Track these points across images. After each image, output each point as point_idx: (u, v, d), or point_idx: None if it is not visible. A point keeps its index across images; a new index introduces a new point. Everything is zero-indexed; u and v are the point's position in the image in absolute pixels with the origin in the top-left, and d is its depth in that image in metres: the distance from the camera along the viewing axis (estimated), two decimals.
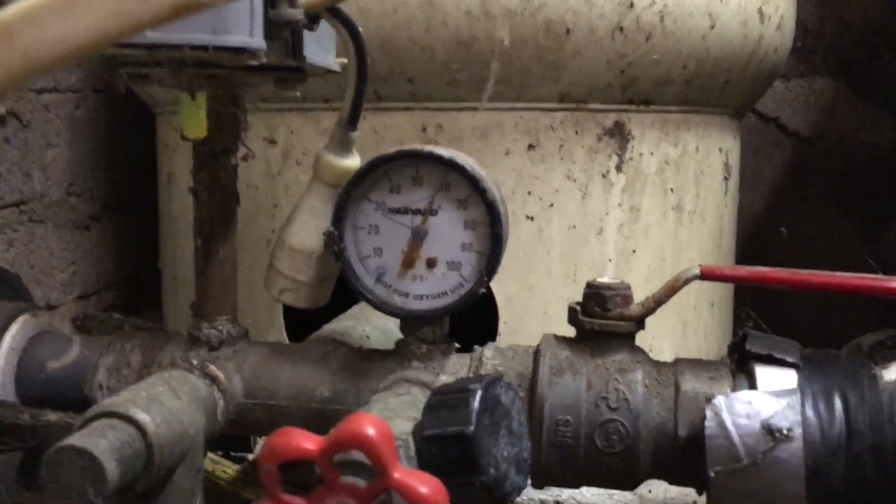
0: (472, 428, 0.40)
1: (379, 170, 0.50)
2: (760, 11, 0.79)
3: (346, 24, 0.47)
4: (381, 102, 0.72)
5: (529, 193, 0.74)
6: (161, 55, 0.43)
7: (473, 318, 0.75)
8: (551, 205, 0.75)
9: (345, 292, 0.54)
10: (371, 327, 0.62)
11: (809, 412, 0.46)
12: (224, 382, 0.51)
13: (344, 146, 0.51)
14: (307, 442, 0.36)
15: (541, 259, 0.75)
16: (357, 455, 0.37)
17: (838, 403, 0.46)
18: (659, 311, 0.50)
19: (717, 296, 0.90)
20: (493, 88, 0.71)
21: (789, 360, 0.48)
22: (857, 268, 0.54)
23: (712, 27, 0.75)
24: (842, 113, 1.40)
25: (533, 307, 0.75)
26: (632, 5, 0.70)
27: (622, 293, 0.50)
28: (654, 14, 0.71)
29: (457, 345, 0.54)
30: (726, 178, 0.88)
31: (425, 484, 0.36)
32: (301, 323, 0.70)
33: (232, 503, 0.60)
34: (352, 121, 0.50)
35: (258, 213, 0.78)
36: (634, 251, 0.78)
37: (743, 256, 1.28)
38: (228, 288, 0.55)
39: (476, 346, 0.53)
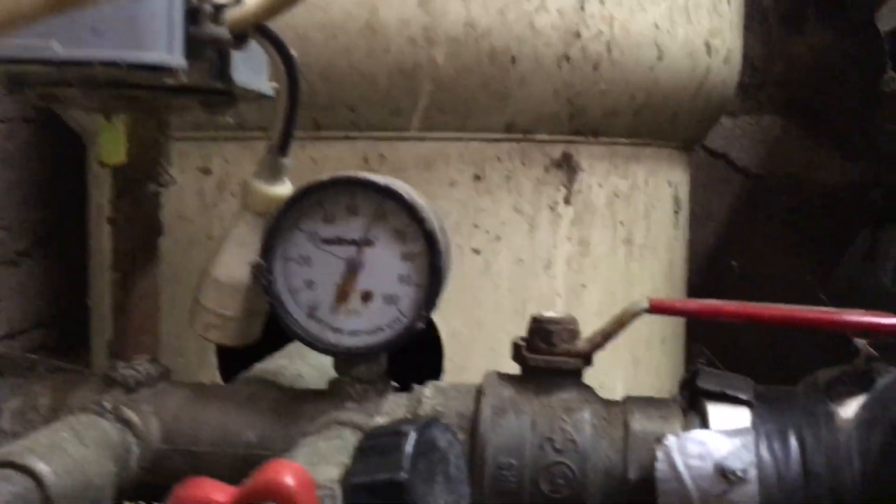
0: (404, 475, 0.36)
1: (311, 197, 0.47)
2: (707, 44, 0.79)
3: (275, 44, 0.44)
4: (321, 131, 0.70)
5: (476, 226, 0.72)
6: (71, 72, 0.40)
7: (419, 356, 0.72)
8: (498, 238, 0.72)
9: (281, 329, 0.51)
10: (306, 366, 0.59)
11: (764, 452, 0.43)
12: (139, 427, 0.47)
13: (274, 173, 0.48)
14: (217, 493, 0.33)
15: (488, 293, 0.72)
16: None
17: (794, 443, 0.44)
18: (610, 347, 0.48)
19: (669, 332, 0.88)
20: (439, 117, 0.69)
21: (743, 397, 0.46)
22: (809, 303, 0.53)
23: (660, 58, 0.74)
24: (790, 150, 1.41)
25: (480, 343, 0.72)
26: (578, 34, 0.68)
27: (568, 328, 0.48)
28: (600, 44, 0.70)
29: (394, 384, 0.51)
30: (676, 212, 0.87)
31: None
32: (236, 363, 0.67)
33: None
34: (282, 146, 0.47)
35: (191, 246, 0.74)
36: (584, 285, 0.76)
37: (694, 292, 1.27)
38: (149, 325, 0.51)
39: (415, 386, 0.50)
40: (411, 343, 0.52)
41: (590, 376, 0.49)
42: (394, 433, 0.39)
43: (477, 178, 0.71)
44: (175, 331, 0.76)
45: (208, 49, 0.41)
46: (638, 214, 0.80)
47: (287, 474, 0.33)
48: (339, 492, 0.38)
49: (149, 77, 0.40)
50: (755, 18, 1.38)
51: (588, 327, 0.48)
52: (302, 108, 0.69)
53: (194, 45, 0.41)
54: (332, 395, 0.49)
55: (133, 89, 0.44)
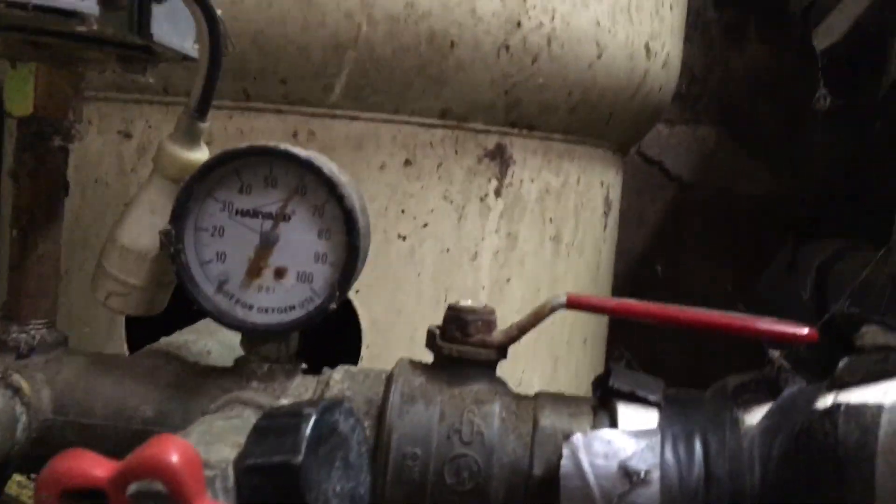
0: (300, 458, 0.35)
1: (227, 165, 0.45)
2: (647, 47, 0.79)
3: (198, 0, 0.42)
4: (250, 102, 0.67)
5: (403, 212, 0.70)
6: None
7: (337, 341, 0.70)
8: (425, 225, 0.71)
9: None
10: (216, 343, 0.57)
11: (669, 454, 0.43)
12: (28, 395, 0.45)
13: (191, 137, 0.46)
14: (96, 467, 0.31)
15: (411, 281, 0.71)
16: (156, 486, 0.32)
17: (698, 447, 0.44)
18: (531, 345, 0.48)
19: (590, 333, 0.88)
20: (372, 97, 0.67)
21: (652, 398, 0.46)
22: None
23: (599, 56, 0.73)
24: (721, 161, 1.44)
25: (399, 332, 0.71)
26: (519, 24, 0.67)
27: (484, 318, 0.47)
28: (541, 36, 0.69)
29: (304, 366, 0.49)
30: (606, 213, 0.87)
31: None
32: (146, 336, 0.64)
33: None
34: (201, 109, 0.45)
35: (106, 211, 0.71)
36: (509, 280, 0.75)
37: (620, 295, 1.28)
38: (47, 288, 0.48)
39: (325, 369, 0.49)
40: (330, 327, 0.51)
41: (508, 372, 0.48)
42: (293, 414, 0.37)
43: (408, 162, 0.70)
44: (83, 300, 0.73)
45: None
46: (568, 212, 0.80)
47: (172, 451, 0.31)
48: (230, 473, 0.36)
49: (59, 22, 0.38)
50: (697, 29, 1.40)
51: (510, 322, 0.47)
52: (232, 76, 0.66)
53: None
54: (236, 373, 0.47)
55: (43, 35, 0.42)
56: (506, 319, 0.49)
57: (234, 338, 0.58)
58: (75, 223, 0.72)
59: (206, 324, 0.60)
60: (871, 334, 0.46)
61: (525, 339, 0.60)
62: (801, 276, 1.18)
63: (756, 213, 1.40)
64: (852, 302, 0.85)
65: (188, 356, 0.51)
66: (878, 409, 0.40)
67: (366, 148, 0.69)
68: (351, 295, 0.70)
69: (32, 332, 0.47)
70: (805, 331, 0.45)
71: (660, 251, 1.41)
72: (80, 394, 0.46)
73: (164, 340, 0.55)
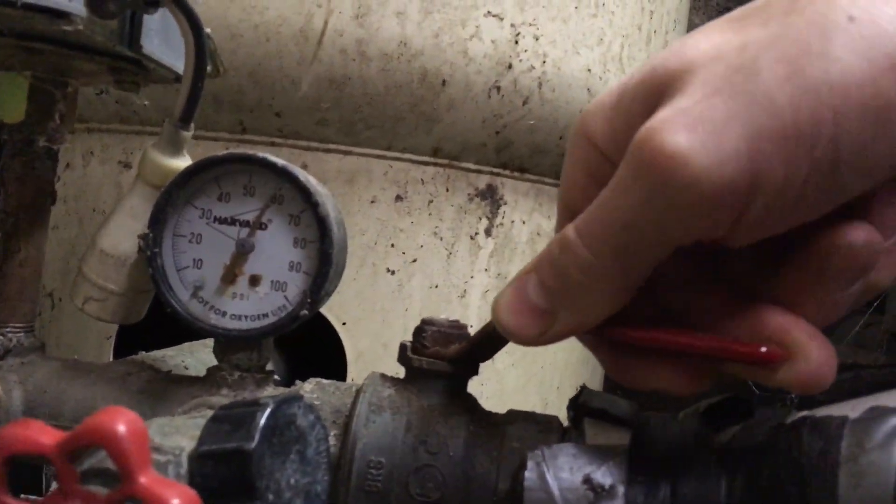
0: (252, 444, 0.35)
1: (207, 172, 0.46)
2: None
3: (182, 7, 0.44)
4: (246, 135, 0.69)
5: (393, 246, 0.71)
6: None
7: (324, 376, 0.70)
8: (414, 260, 0.72)
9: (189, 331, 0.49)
10: (194, 360, 0.57)
11: (635, 471, 0.43)
12: (0, 394, 0.45)
13: (174, 145, 0.47)
14: (43, 435, 0.31)
15: (398, 316, 0.71)
16: (108, 461, 0.32)
17: (665, 465, 0.43)
18: (521, 390, 0.47)
19: (585, 379, 0.87)
20: (365, 133, 0.69)
21: (622, 417, 0.46)
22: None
23: (590, 102, 0.75)
24: None
25: (385, 365, 0.71)
26: (510, 66, 0.69)
27: (444, 330, 0.47)
28: (532, 79, 0.71)
29: (276, 377, 0.49)
30: None
31: (178, 495, 0.31)
32: None
33: None
34: (185, 118, 0.47)
35: None
36: None
37: None
38: (27, 293, 0.49)
39: (297, 381, 0.49)
40: (315, 359, 0.51)
41: (504, 398, 0.48)
42: (250, 404, 0.37)
43: (399, 198, 0.71)
44: (74, 327, 0.74)
45: (112, 4, 0.40)
46: None
47: (119, 420, 0.31)
48: (184, 460, 0.36)
49: (46, 22, 0.39)
50: None
51: (498, 361, 0.48)
52: (229, 108, 0.69)
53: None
54: (208, 381, 0.47)
55: (36, 41, 0.44)
56: (494, 359, 0.49)
57: (213, 358, 0.59)
58: (70, 252, 0.74)
59: (189, 345, 0.60)
60: (840, 353, 0.46)
61: (514, 383, 0.60)
62: None
63: None
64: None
65: (163, 368, 0.51)
66: (843, 419, 0.40)
67: (358, 182, 0.70)
68: (337, 327, 0.70)
69: (10, 335, 0.48)
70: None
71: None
72: (51, 396, 0.47)
73: (141, 354, 0.55)
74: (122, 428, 0.31)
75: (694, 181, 0.28)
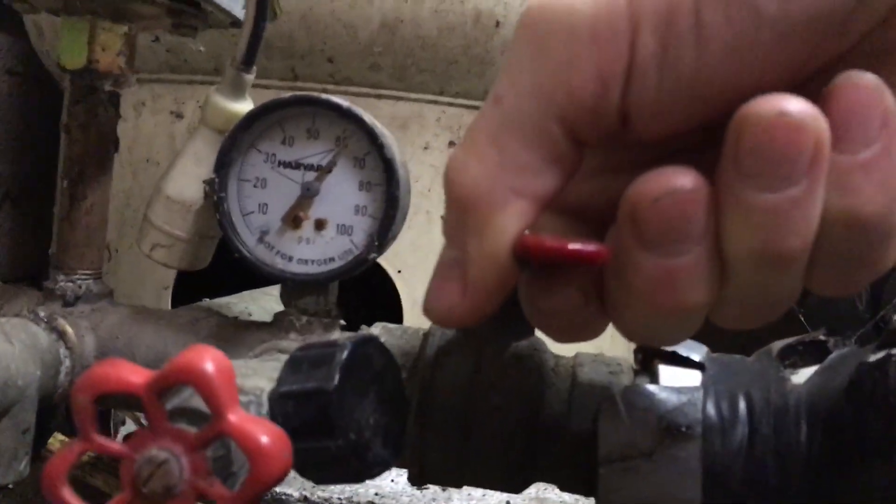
0: (333, 384, 0.35)
1: (271, 116, 0.45)
2: None
3: None
4: (298, 82, 0.68)
5: None
6: None
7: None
8: None
9: (242, 281, 0.49)
10: (256, 306, 0.57)
11: (711, 411, 0.42)
12: (73, 339, 0.46)
13: (237, 89, 0.47)
14: (132, 374, 0.31)
15: None
16: (194, 400, 0.32)
17: (742, 404, 0.42)
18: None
19: None
20: (417, 77, 0.68)
21: (694, 358, 0.45)
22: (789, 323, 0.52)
23: None
24: None
25: None
26: None
27: None
28: None
29: (343, 322, 0.49)
30: None
31: (267, 433, 0.31)
32: None
33: (79, 490, 0.54)
34: (247, 60, 0.46)
35: None
36: None
37: None
38: (94, 239, 0.49)
39: (363, 326, 0.49)
40: (372, 307, 0.51)
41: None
42: (328, 345, 0.37)
43: (452, 144, 0.70)
44: (132, 278, 0.75)
45: None
46: None
47: (207, 358, 0.31)
48: (265, 400, 0.36)
49: None
50: None
51: None
52: (280, 55, 0.68)
53: None
54: (275, 326, 0.48)
55: None
56: None
57: (276, 305, 0.59)
58: (126, 203, 0.74)
59: (249, 293, 0.61)
60: None
61: None
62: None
63: None
64: None
65: (228, 314, 0.51)
66: None
67: (410, 128, 0.69)
68: (393, 275, 0.70)
69: (79, 281, 0.48)
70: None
71: None
72: (122, 341, 0.47)
73: (206, 301, 0.55)
74: (210, 366, 0.31)
75: (561, 15, 0.24)
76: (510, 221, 0.26)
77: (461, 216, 0.27)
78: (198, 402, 0.33)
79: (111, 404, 0.32)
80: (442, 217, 0.72)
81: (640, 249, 0.25)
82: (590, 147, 0.26)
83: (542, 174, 0.26)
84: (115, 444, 0.32)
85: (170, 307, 0.73)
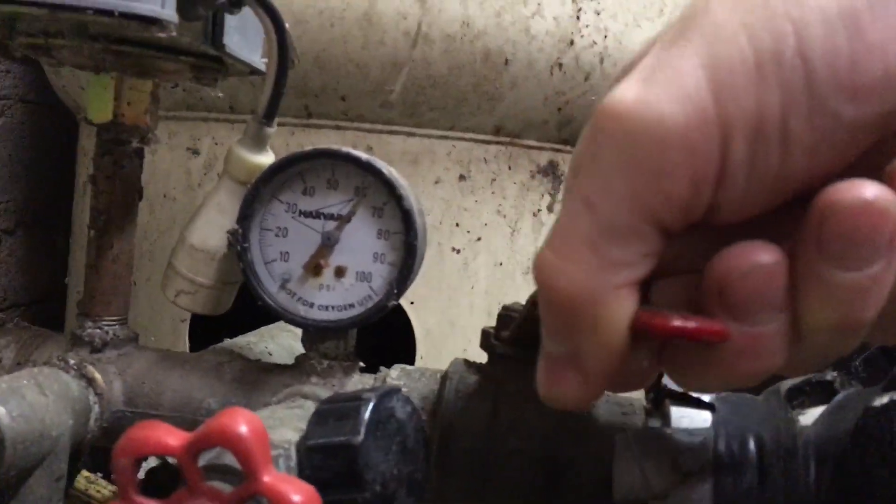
0: (359, 438, 0.36)
1: (292, 168, 0.47)
2: None
3: (268, 10, 0.45)
4: (312, 119, 0.70)
5: (457, 225, 0.72)
6: (63, 18, 0.40)
7: (391, 354, 0.72)
8: (479, 239, 0.72)
9: (255, 311, 0.50)
10: (275, 345, 0.58)
11: (722, 452, 0.43)
12: (102, 386, 0.47)
13: (258, 142, 0.48)
14: (170, 437, 0.33)
15: (464, 293, 0.72)
16: (226, 457, 0.33)
17: (752, 446, 0.44)
18: None
19: None
20: (428, 114, 0.69)
21: (705, 400, 0.46)
22: None
23: None
24: None
25: (452, 343, 0.72)
26: (572, 43, 0.69)
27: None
28: (593, 55, 0.70)
29: (362, 364, 0.51)
30: None
31: (299, 491, 0.32)
32: (207, 345, 0.66)
33: None
34: (269, 115, 0.48)
35: (173, 224, 0.74)
36: None
37: None
38: (120, 286, 0.51)
39: (382, 368, 0.50)
40: (385, 337, 0.52)
41: None
42: (353, 398, 0.38)
43: (462, 177, 0.72)
44: (150, 310, 0.76)
45: (200, 8, 0.41)
46: None
47: (241, 421, 0.32)
48: (293, 453, 0.38)
49: (139, 28, 0.40)
50: None
51: None
52: (295, 94, 0.69)
53: (187, 2, 0.41)
54: (297, 369, 0.49)
55: (124, 45, 0.45)
56: None
57: (294, 342, 0.60)
58: (143, 237, 0.76)
59: (267, 329, 0.62)
60: None
61: None
62: None
63: None
64: None
65: (250, 356, 0.53)
66: None
67: (421, 163, 0.71)
68: (406, 306, 0.71)
69: (106, 328, 0.50)
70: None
71: None
72: (149, 387, 0.48)
73: (227, 342, 0.57)
74: (244, 429, 0.32)
75: (653, 125, 0.25)
76: (620, 312, 0.27)
77: (568, 317, 0.28)
78: (229, 459, 0.34)
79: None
80: (453, 249, 0.74)
81: (728, 320, 0.27)
82: (676, 235, 0.28)
83: (638, 265, 0.27)
84: (155, 503, 0.33)
85: (187, 339, 0.75)
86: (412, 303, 0.71)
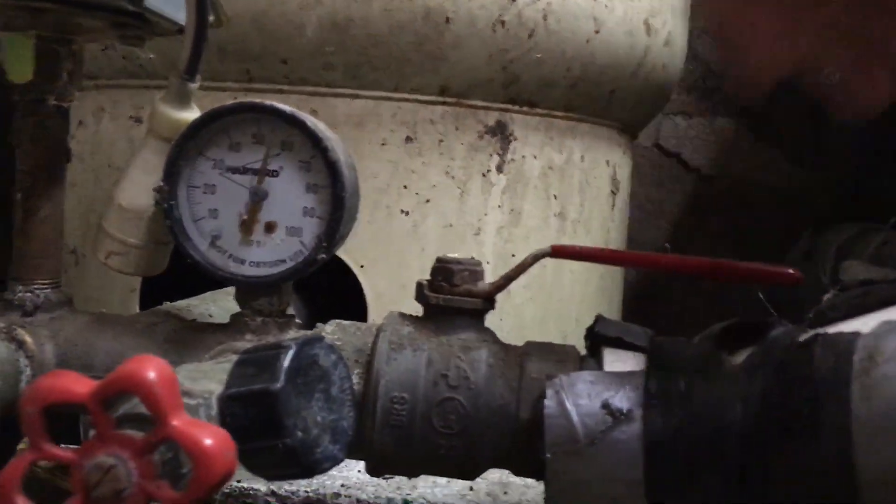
0: (278, 385, 0.36)
1: (216, 123, 0.46)
2: (647, 23, 0.80)
3: None
4: (253, 83, 0.69)
5: (405, 187, 0.72)
6: None
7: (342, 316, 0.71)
8: (427, 201, 0.72)
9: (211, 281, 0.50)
10: (217, 307, 0.58)
11: (652, 393, 0.44)
12: (33, 349, 0.47)
13: (182, 98, 0.48)
14: (77, 385, 0.32)
15: (414, 256, 0.72)
16: (141, 407, 0.33)
17: (682, 386, 0.44)
18: (537, 325, 0.48)
19: (602, 310, 0.88)
20: (371, 75, 0.68)
21: (638, 343, 0.46)
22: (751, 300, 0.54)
23: (597, 32, 0.74)
24: (740, 152, 1.43)
25: (404, 305, 0.72)
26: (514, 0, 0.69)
27: (471, 269, 0.48)
28: (536, 11, 0.70)
29: (298, 321, 0.50)
30: (614, 193, 0.88)
31: (210, 435, 0.32)
32: None
33: (48, 494, 0.55)
34: (190, 70, 0.47)
35: None
36: (514, 255, 0.76)
37: (639, 285, 1.28)
38: (50, 249, 0.50)
39: (318, 323, 0.50)
40: (336, 301, 0.52)
41: None
42: (273, 347, 0.38)
43: (409, 139, 0.71)
44: (98, 282, 0.76)
45: None
46: (573, 189, 0.81)
47: (149, 368, 0.32)
48: (214, 402, 0.38)
49: None
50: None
51: (516, 296, 0.48)
52: (235, 58, 0.69)
53: None
54: (232, 327, 0.49)
55: (39, 1, 0.44)
56: (511, 293, 0.50)
57: (236, 305, 0.60)
58: (89, 208, 0.75)
59: (211, 294, 0.62)
60: (853, 269, 0.46)
61: (532, 317, 0.59)
62: (820, 261, 1.17)
63: (776, 203, 1.39)
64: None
65: (188, 318, 0.52)
66: (854, 335, 0.40)
67: (367, 125, 0.70)
68: (356, 269, 0.71)
69: (38, 291, 0.49)
70: (790, 270, 0.46)
71: (681, 242, 1.41)
72: (82, 349, 0.48)
73: (166, 304, 0.56)
74: (151, 374, 0.32)
75: None
76: None
77: None
78: (145, 408, 0.34)
79: (67, 413, 0.33)
80: (402, 211, 0.74)
81: None
82: None
83: None
84: (64, 452, 0.33)
85: (137, 310, 0.74)
86: (362, 266, 0.70)
